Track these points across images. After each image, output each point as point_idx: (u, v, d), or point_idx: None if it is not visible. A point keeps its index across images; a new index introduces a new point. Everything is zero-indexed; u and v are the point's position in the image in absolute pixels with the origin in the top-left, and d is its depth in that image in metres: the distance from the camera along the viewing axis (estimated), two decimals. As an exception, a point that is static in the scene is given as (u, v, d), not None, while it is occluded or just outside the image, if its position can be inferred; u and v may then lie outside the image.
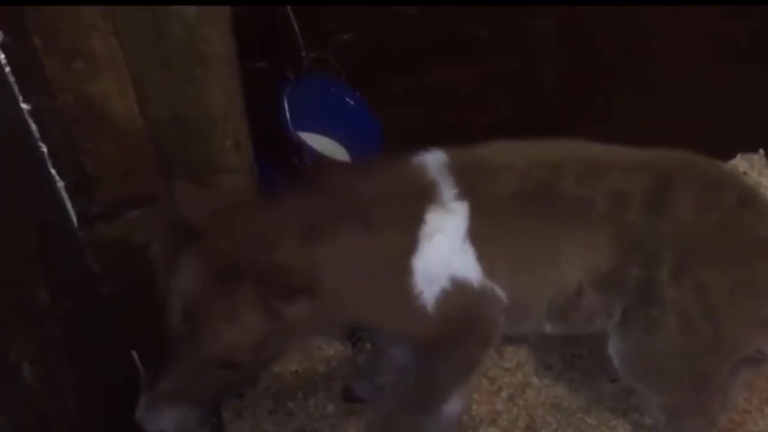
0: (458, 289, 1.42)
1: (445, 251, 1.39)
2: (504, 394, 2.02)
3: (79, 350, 1.43)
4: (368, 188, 1.37)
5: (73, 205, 1.51)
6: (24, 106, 1.35)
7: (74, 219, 1.52)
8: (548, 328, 1.60)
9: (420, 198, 1.39)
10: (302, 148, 1.64)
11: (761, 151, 2.67)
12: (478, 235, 1.41)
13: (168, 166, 1.49)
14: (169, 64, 1.32)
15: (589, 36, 2.01)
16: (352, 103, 1.78)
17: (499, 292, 1.46)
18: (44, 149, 1.40)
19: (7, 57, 1.26)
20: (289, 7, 1.62)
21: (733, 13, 2.11)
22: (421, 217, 1.38)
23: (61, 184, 1.48)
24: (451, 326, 1.48)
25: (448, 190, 1.40)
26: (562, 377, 2.07)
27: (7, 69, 1.26)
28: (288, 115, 1.59)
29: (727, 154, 2.52)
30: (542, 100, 2.05)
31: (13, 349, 1.04)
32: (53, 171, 1.46)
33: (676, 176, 1.48)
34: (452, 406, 1.66)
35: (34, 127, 1.36)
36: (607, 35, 2.02)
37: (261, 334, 1.27)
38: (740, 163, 2.51)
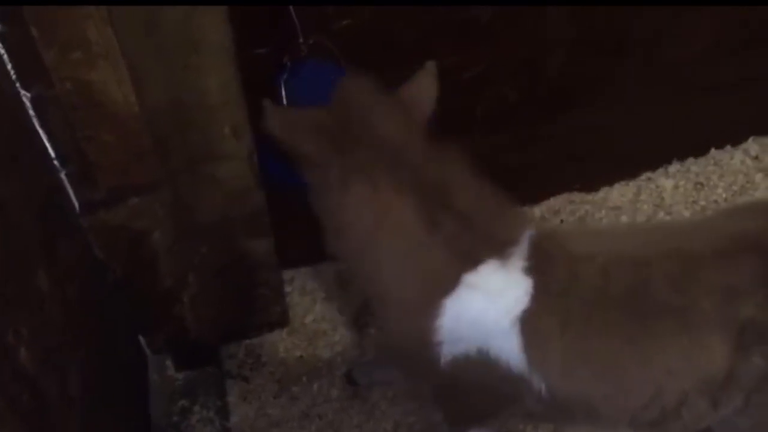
0: (484, 364, 1.28)
1: (481, 317, 1.25)
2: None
3: (82, 334, 1.46)
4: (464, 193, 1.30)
5: (75, 192, 1.54)
6: (24, 94, 1.38)
7: (77, 206, 1.55)
8: None
9: (492, 240, 1.26)
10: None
11: (775, 134, 2.64)
12: (534, 322, 1.25)
13: (166, 154, 1.51)
14: (163, 51, 1.33)
15: (596, 18, 1.98)
16: (352, 89, 1.78)
17: (540, 384, 1.30)
18: (44, 137, 1.43)
19: (5, 47, 1.29)
20: (288, -6, 1.62)
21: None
22: (476, 260, 1.25)
23: (62, 171, 1.51)
24: (462, 389, 1.38)
25: (519, 256, 1.26)
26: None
27: (5, 57, 1.29)
28: (285, 101, 1.59)
29: (740, 137, 2.49)
30: (547, 85, 2.03)
31: (9, 333, 1.07)
32: (55, 159, 1.49)
33: None
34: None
35: (33, 114, 1.39)
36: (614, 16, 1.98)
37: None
38: (752, 146, 2.47)
